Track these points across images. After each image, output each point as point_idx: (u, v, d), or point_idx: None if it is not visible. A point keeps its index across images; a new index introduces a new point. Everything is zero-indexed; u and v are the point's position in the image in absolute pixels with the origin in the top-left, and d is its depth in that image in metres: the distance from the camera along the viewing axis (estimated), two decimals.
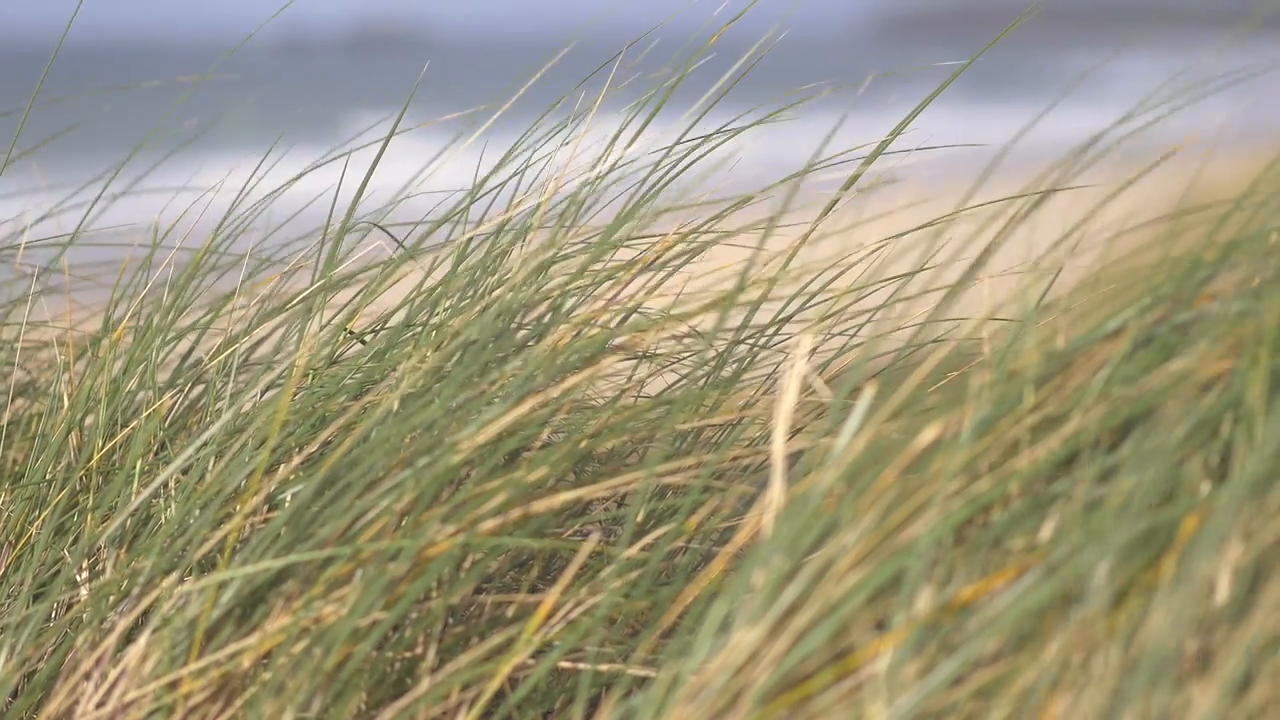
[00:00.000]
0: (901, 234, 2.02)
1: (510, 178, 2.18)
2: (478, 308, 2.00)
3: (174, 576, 1.89)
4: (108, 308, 2.33)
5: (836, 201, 2.00)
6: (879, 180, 1.97)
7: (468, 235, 2.10)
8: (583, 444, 1.86)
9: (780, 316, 2.10)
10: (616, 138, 2.17)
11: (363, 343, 2.11)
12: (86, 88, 2.63)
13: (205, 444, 2.00)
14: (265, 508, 1.92)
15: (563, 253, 2.05)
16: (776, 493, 1.61)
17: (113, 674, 1.86)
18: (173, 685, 1.82)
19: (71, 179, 2.57)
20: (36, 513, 2.11)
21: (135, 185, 2.54)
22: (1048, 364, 1.61)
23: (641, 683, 1.76)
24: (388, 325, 2.12)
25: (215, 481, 1.94)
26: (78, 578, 2.01)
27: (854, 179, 2.06)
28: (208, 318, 2.27)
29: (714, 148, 2.17)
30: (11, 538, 2.11)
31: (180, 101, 2.46)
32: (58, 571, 2.05)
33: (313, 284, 2.16)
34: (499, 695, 1.83)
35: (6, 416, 2.33)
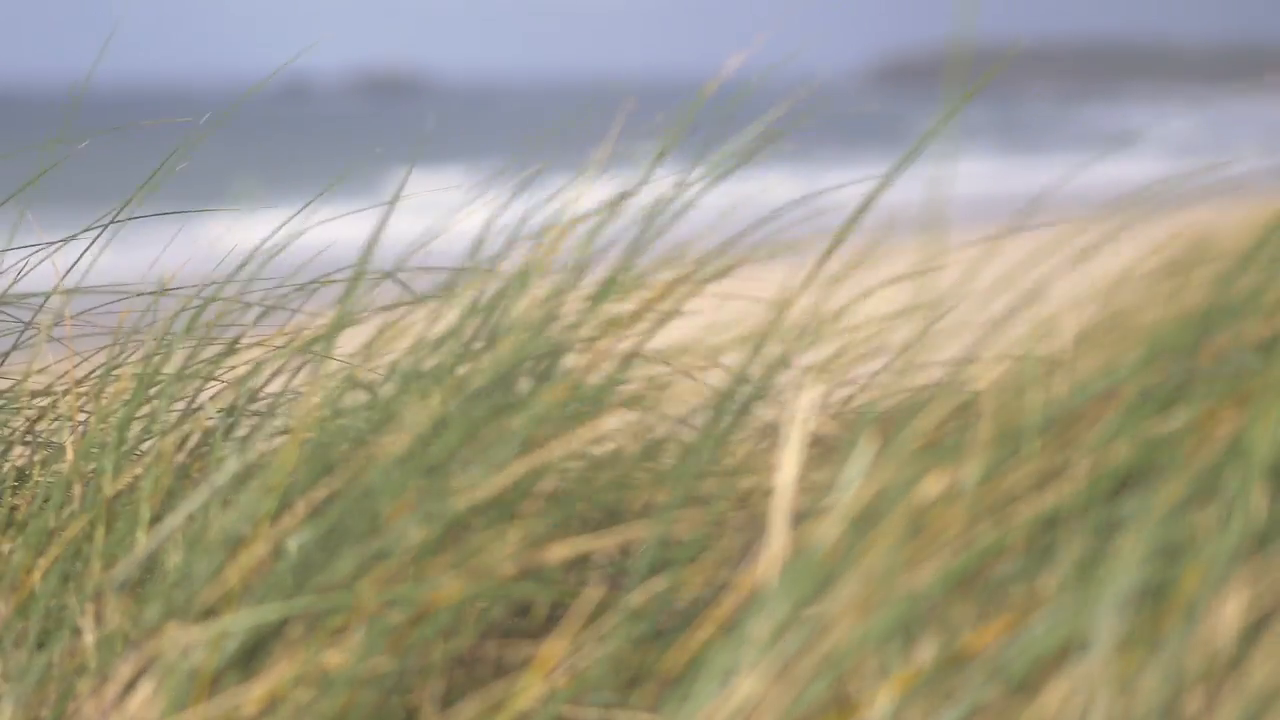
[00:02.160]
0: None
1: (514, 227, 2.19)
2: (480, 357, 2.01)
3: (177, 623, 1.89)
4: (109, 355, 2.33)
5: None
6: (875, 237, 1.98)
7: (470, 285, 2.11)
8: (589, 494, 1.87)
9: (780, 366, 2.10)
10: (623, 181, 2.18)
11: (368, 391, 2.12)
12: (88, 135, 2.64)
13: (211, 492, 2.00)
14: (269, 554, 1.93)
15: (567, 301, 2.06)
16: (778, 541, 1.62)
17: None
18: None
19: (69, 226, 2.59)
20: (40, 560, 2.12)
21: (137, 233, 2.55)
22: (1050, 414, 1.62)
23: None
24: (393, 372, 2.12)
25: (220, 529, 1.94)
26: (81, 625, 2.01)
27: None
28: (210, 365, 2.28)
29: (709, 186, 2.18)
30: (15, 585, 2.11)
31: (180, 150, 2.47)
32: (62, 619, 2.06)
33: (317, 331, 2.16)
34: None
35: (8, 464, 2.34)
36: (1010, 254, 1.86)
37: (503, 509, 1.84)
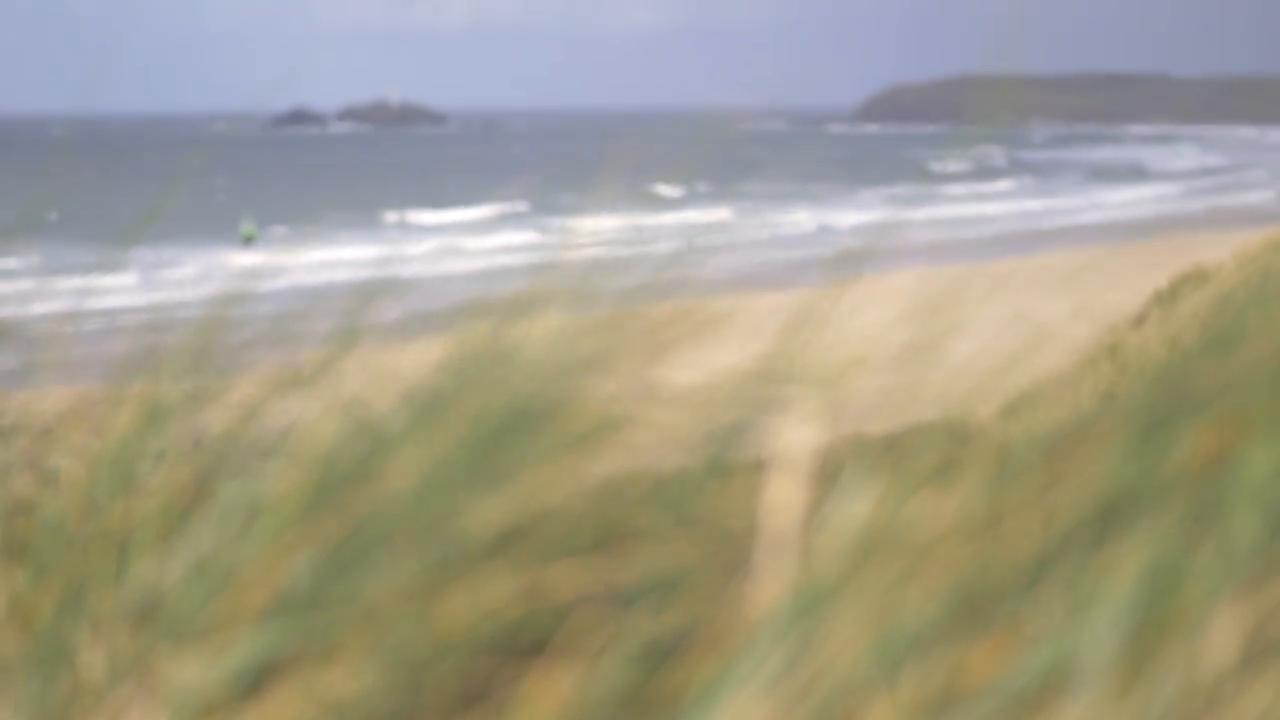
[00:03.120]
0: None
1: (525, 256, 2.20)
2: (489, 387, 2.01)
3: (180, 651, 1.89)
4: (113, 383, 2.34)
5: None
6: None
7: (477, 315, 2.12)
8: (592, 522, 1.88)
9: (782, 396, 2.11)
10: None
11: (373, 420, 2.12)
12: (93, 165, 2.66)
13: (215, 521, 2.01)
14: (273, 583, 1.93)
15: (574, 332, 2.06)
16: (777, 570, 1.62)
17: None
18: None
19: (76, 254, 2.61)
20: (43, 589, 2.12)
21: (144, 260, 2.58)
22: (1049, 441, 1.62)
23: None
24: (399, 402, 2.13)
25: (223, 557, 1.95)
26: (84, 653, 2.02)
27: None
28: (215, 393, 2.29)
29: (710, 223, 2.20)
30: (18, 613, 2.12)
31: (178, 178, 2.50)
32: (64, 648, 2.06)
33: (322, 359, 2.17)
34: None
35: (12, 494, 2.34)
36: (1012, 282, 1.88)
37: (507, 538, 1.84)
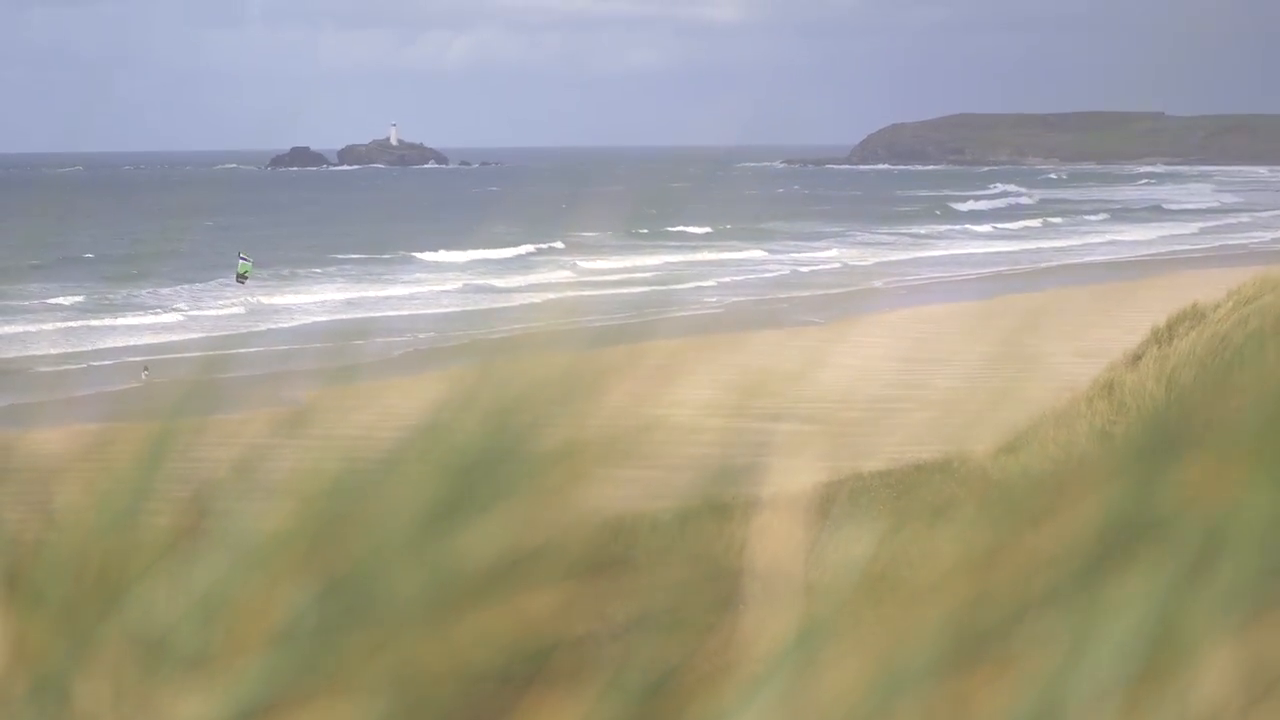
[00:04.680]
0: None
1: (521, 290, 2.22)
2: (488, 422, 2.02)
3: (177, 687, 1.90)
4: (114, 420, 2.35)
5: None
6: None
7: (476, 349, 2.13)
8: (587, 558, 1.88)
9: (778, 431, 2.12)
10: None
11: (371, 454, 2.13)
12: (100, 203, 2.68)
13: (213, 559, 2.02)
14: (269, 618, 1.94)
15: (571, 365, 2.07)
16: (773, 606, 1.63)
17: None
18: None
19: (80, 291, 2.62)
20: (46, 625, 2.13)
21: (145, 298, 2.58)
22: (1046, 476, 1.63)
23: None
24: (397, 436, 2.14)
25: (220, 592, 1.95)
26: (86, 690, 2.02)
27: None
28: (214, 430, 2.30)
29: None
30: (21, 650, 2.12)
31: (198, 220, 2.51)
32: (66, 684, 2.06)
33: (321, 394, 2.18)
34: None
35: (16, 532, 2.35)
36: (1013, 318, 1.89)
37: (505, 572, 1.85)
